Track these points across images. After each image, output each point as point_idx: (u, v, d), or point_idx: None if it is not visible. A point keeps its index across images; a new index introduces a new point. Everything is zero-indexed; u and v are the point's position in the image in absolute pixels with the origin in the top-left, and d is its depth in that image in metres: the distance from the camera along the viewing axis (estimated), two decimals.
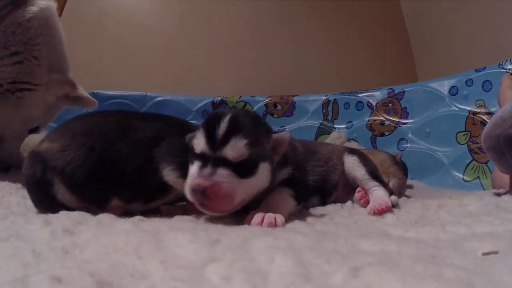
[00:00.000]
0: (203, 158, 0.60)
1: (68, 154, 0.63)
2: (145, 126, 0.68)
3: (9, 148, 1.15)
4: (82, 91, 1.22)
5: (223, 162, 0.58)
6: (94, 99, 1.26)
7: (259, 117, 0.70)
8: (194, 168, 0.60)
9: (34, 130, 1.21)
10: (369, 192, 0.85)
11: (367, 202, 0.82)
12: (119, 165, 0.64)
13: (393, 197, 0.85)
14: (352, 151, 0.96)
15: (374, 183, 0.86)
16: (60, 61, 1.16)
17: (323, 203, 0.89)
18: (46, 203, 0.63)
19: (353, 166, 0.90)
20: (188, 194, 0.59)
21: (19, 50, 1.05)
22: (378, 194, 0.81)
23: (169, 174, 0.65)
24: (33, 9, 1.08)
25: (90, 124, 0.67)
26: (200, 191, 0.56)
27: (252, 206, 0.68)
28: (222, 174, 0.58)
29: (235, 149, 0.59)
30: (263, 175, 0.63)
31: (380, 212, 0.73)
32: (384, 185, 0.88)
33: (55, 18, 1.15)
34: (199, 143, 0.61)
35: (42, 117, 1.20)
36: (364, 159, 0.92)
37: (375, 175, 0.89)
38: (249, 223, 0.60)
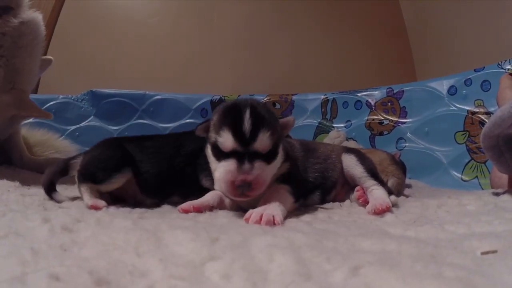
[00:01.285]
0: (235, 154, 0.64)
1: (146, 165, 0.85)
2: (189, 143, 0.87)
3: None
4: (31, 109, 1.14)
5: (255, 155, 0.65)
6: (49, 113, 1.19)
7: (266, 104, 0.76)
8: (229, 165, 0.64)
9: None
10: (368, 191, 0.84)
11: (365, 202, 0.82)
12: (178, 172, 0.85)
13: (393, 197, 0.85)
14: (350, 150, 0.96)
15: (373, 181, 0.85)
16: (19, 80, 1.10)
17: (322, 201, 0.89)
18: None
19: (350, 164, 0.90)
20: (227, 188, 0.64)
21: None
22: (378, 194, 0.81)
23: (206, 182, 0.81)
24: (13, 21, 1.03)
25: (157, 145, 0.89)
26: (246, 185, 0.63)
27: (251, 205, 0.68)
28: (259, 166, 0.64)
29: (264, 142, 0.65)
30: (280, 155, 0.71)
31: (381, 212, 0.73)
32: (383, 184, 0.88)
33: (31, 35, 1.10)
34: (228, 141, 0.65)
35: None
36: (362, 158, 0.92)
37: (373, 173, 0.88)
38: (247, 221, 0.60)
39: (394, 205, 0.82)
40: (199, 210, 0.70)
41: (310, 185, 0.86)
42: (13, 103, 1.09)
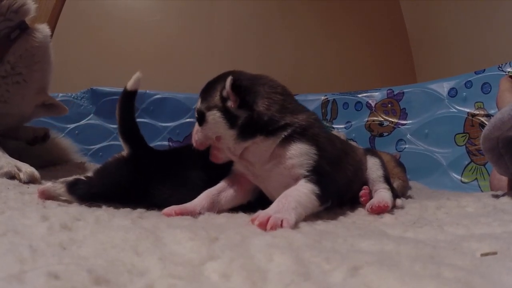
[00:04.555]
0: None
1: None
2: None
3: None
4: (54, 99, 1.33)
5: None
6: (66, 107, 1.37)
7: (227, 73, 0.74)
8: None
9: None
10: (376, 193, 0.85)
11: (366, 202, 0.82)
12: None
13: (399, 201, 0.85)
14: (375, 154, 0.96)
15: (384, 185, 0.86)
16: (46, 83, 1.27)
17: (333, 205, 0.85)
18: None
19: (372, 167, 0.91)
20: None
21: (22, 72, 1.15)
22: (381, 194, 0.82)
23: None
24: (39, 37, 1.17)
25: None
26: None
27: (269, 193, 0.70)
28: (196, 126, 0.75)
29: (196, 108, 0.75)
30: (214, 121, 0.72)
31: (377, 209, 0.73)
32: (393, 189, 0.89)
33: (50, 45, 1.26)
34: None
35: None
36: (383, 164, 0.93)
37: (387, 179, 0.90)
38: (252, 222, 0.56)
39: (400, 208, 0.82)
40: (182, 215, 0.65)
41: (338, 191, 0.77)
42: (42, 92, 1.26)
